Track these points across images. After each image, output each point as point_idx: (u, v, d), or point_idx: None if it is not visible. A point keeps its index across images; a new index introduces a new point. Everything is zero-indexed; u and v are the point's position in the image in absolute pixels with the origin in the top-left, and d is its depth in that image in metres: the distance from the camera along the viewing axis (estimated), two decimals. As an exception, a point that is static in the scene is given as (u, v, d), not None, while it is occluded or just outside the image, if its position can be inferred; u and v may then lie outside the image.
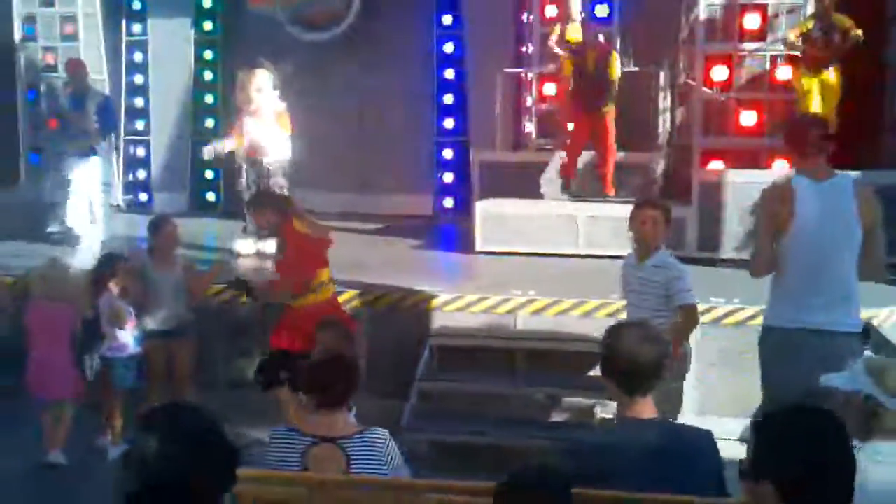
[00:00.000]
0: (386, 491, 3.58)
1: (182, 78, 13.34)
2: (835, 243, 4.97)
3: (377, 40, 12.41)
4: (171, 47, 13.30)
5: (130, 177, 13.55)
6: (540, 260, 9.46)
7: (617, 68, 10.22)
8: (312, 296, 6.59)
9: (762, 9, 9.94)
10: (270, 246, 9.18)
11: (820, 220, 4.94)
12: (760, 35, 9.95)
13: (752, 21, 9.95)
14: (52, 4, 12.91)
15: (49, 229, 10.93)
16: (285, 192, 8.82)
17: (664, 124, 11.67)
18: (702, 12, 9.99)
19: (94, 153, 10.47)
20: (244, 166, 9.62)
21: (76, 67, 10.91)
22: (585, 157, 10.61)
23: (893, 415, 3.26)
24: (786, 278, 5.08)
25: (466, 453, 6.66)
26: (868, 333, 6.12)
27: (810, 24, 9.59)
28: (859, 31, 9.50)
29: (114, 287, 6.79)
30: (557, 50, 10.94)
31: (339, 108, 12.35)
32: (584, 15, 11.16)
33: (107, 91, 12.47)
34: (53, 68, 12.85)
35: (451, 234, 11.24)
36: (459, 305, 7.75)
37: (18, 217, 10.97)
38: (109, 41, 13.30)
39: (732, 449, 3.56)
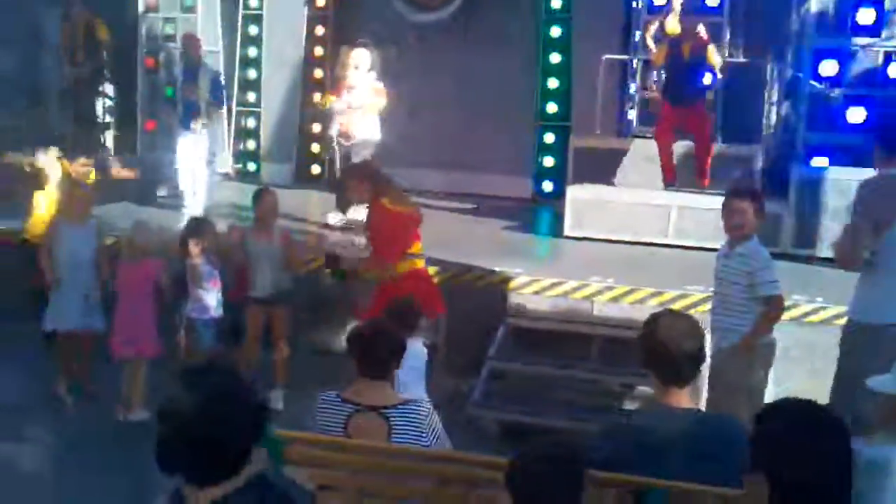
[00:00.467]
0: (424, 461, 3.68)
1: (294, 52, 13.62)
2: None
3: (484, 22, 12.45)
4: (285, 22, 13.57)
5: (241, 146, 13.92)
6: (627, 248, 9.43)
7: (716, 60, 10.04)
8: (404, 267, 6.71)
9: (878, 3, 9.62)
10: (360, 220, 9.47)
11: None
12: (874, 30, 9.63)
13: (866, 16, 9.64)
14: (173, -23, 13.39)
15: (158, 193, 11.43)
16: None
17: (770, 118, 11.42)
18: (813, 5, 9.73)
19: (193, 127, 10.70)
20: (336, 143, 9.91)
21: (189, 41, 11.23)
22: (683, 147, 10.47)
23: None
24: (878, 276, 4.99)
25: (532, 435, 6.72)
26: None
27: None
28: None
29: (194, 248, 7.05)
30: (649, 42, 10.84)
31: (442, 88, 12.43)
32: (683, 5, 10.99)
33: (221, 63, 12.89)
34: (172, 38, 13.33)
35: (545, 218, 11.25)
36: (537, 288, 7.80)
37: (134, 180, 11.48)
38: (226, 14, 13.70)
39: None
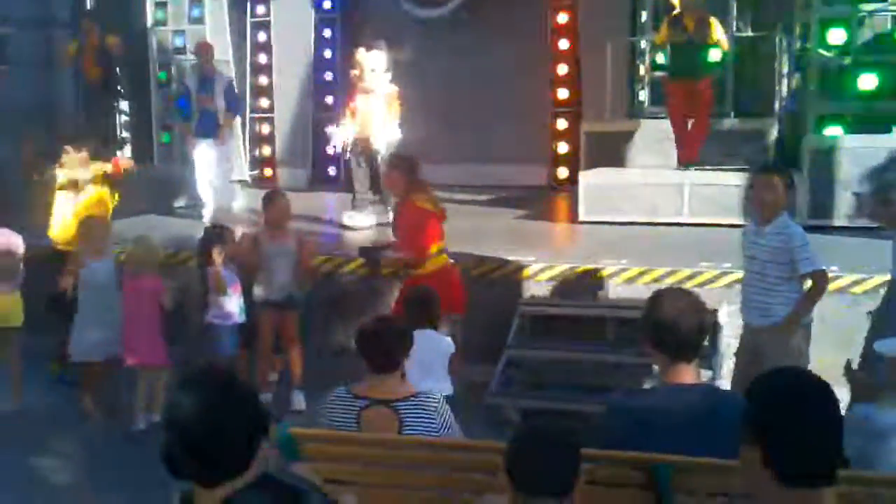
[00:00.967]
0: (435, 451, 3.71)
1: (303, 56, 13.72)
2: None
3: (491, 13, 12.46)
4: (292, 27, 13.66)
5: (257, 153, 14.02)
6: (642, 229, 9.42)
7: (718, 34, 9.96)
8: (430, 265, 6.81)
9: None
10: (379, 219, 9.56)
11: None
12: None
13: (873, -19, 9.57)
14: (181, -11, 13.52)
15: (176, 204, 11.53)
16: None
17: (781, 91, 11.34)
18: (820, -27, 9.66)
19: (214, 136, 10.75)
20: (354, 145, 9.94)
21: (203, 50, 11.19)
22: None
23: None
24: None
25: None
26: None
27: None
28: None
29: (217, 256, 7.11)
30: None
31: (454, 81, 12.47)
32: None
33: (232, 71, 12.97)
34: (182, 50, 13.46)
35: (561, 205, 11.26)
36: (551, 274, 7.82)
37: (152, 192, 11.57)
38: (234, 23, 13.83)
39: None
